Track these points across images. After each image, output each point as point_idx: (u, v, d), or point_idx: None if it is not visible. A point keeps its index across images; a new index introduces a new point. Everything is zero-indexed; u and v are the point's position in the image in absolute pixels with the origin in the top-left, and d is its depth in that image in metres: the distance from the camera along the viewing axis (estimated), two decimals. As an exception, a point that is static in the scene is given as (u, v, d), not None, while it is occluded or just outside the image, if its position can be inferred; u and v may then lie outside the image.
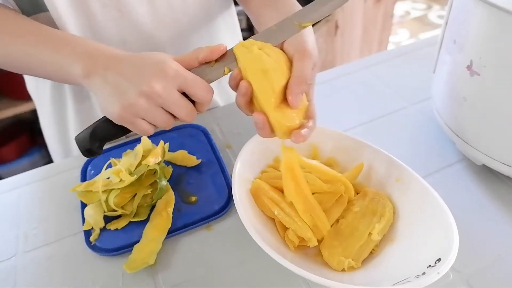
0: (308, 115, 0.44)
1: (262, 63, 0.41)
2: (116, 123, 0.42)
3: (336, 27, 1.73)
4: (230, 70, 0.44)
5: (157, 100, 0.40)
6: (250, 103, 0.44)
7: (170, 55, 0.43)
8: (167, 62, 0.41)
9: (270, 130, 0.43)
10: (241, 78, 0.43)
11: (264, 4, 0.55)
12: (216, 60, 0.44)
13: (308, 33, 0.47)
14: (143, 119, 0.42)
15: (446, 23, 0.56)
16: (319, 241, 0.47)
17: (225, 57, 0.44)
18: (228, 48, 0.44)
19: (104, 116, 0.44)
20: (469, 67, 0.50)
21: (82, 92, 0.64)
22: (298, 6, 0.53)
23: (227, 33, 0.72)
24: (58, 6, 0.52)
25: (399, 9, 2.89)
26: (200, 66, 0.44)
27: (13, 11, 0.51)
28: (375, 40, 1.92)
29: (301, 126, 0.43)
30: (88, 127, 0.44)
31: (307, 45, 0.44)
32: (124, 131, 0.44)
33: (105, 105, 0.42)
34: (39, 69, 0.48)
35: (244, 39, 0.48)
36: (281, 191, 0.50)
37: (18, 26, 0.48)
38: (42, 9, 0.52)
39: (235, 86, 0.44)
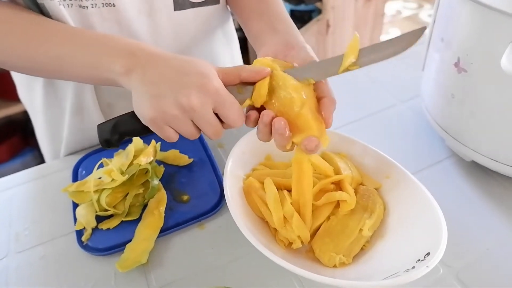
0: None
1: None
2: (144, 123, 0.42)
3: (328, 26, 1.73)
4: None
5: (191, 114, 0.40)
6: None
7: (213, 66, 0.42)
8: (210, 77, 0.40)
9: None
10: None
11: (252, 17, 0.55)
12: (248, 84, 0.43)
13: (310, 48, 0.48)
14: (171, 127, 0.41)
15: (434, 21, 0.56)
16: (304, 243, 0.47)
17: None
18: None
19: (132, 111, 0.43)
20: (456, 64, 0.50)
21: (78, 102, 0.62)
22: (285, 18, 0.53)
23: (226, 45, 0.71)
24: (57, 18, 0.49)
25: (390, 9, 2.91)
26: (233, 86, 0.43)
27: (35, 12, 0.49)
28: (366, 38, 1.94)
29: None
30: (113, 118, 0.44)
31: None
32: (147, 131, 0.43)
33: (138, 104, 0.41)
34: (71, 71, 0.46)
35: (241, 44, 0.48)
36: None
37: (45, 27, 0.46)
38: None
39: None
